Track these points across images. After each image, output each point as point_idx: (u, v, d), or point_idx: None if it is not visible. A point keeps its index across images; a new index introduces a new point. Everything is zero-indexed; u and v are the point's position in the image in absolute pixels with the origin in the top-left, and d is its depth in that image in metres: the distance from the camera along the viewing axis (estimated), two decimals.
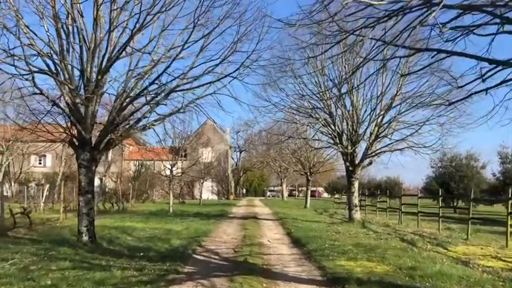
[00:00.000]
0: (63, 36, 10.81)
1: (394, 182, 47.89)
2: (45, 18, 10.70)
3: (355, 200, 19.67)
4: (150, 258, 9.40)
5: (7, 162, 38.05)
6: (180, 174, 32.97)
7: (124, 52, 10.97)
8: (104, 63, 10.93)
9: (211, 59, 11.50)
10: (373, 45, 7.81)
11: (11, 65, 9.01)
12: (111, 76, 11.89)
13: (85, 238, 11.06)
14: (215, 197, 56.53)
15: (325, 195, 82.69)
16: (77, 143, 11.34)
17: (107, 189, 43.14)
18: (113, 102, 11.90)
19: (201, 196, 42.78)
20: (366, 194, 30.30)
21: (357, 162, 19.45)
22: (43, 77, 10.48)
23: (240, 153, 74.89)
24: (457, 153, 34.28)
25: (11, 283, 6.85)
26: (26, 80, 9.48)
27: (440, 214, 16.54)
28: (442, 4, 5.13)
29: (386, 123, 18.97)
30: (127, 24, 10.71)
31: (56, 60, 10.77)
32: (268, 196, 71.78)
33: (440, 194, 17.60)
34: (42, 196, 26.75)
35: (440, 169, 36.33)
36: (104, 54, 10.85)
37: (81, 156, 11.19)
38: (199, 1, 10.43)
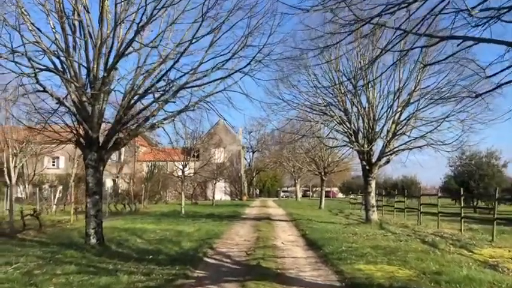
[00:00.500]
0: (69, 32, 10.50)
1: (410, 182, 46.85)
2: (51, 14, 10.40)
3: (372, 200, 19.02)
4: (159, 261, 9.02)
5: (20, 164, 38.36)
6: (191, 174, 32.66)
7: (131, 48, 10.61)
8: (110, 60, 10.58)
9: (221, 54, 11.08)
10: (393, 35, 7.30)
11: (13, 61, 8.71)
12: (119, 74, 11.58)
13: (93, 241, 10.72)
14: (228, 198, 56.15)
15: (340, 195, 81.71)
16: (84, 143, 11.02)
17: (119, 191, 43.15)
18: (120, 101, 11.56)
19: (213, 197, 42.45)
20: (383, 194, 29.49)
21: (373, 161, 18.81)
22: (47, 74, 10.20)
23: (253, 153, 74.51)
24: (476, 151, 33.16)
25: None
26: (28, 76, 9.15)
27: (463, 214, 15.82)
28: None
29: (404, 120, 18.29)
30: (134, 18, 10.31)
31: (62, 58, 10.46)
32: (282, 197, 71.13)
33: (462, 193, 16.82)
34: (54, 198, 26.66)
35: (459, 168, 35.29)
36: (110, 51, 10.51)
37: (89, 156, 10.86)
38: None
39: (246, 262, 9.30)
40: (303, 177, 57.61)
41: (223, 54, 11.06)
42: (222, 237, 13.74)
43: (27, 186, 41.45)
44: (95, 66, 10.67)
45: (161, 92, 11.25)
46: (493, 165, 33.33)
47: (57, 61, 10.62)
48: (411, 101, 17.91)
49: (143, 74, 11.50)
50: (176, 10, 10.93)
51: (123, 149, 46.70)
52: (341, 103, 19.00)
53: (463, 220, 15.79)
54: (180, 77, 11.19)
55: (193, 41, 10.52)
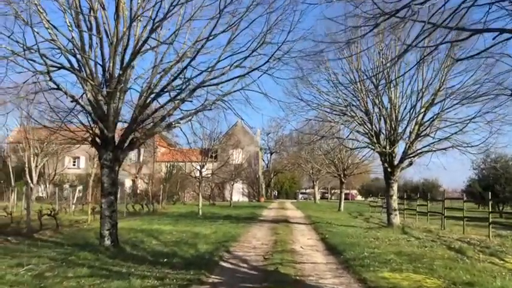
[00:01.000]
0: (85, 30, 10.33)
1: (431, 185, 45.77)
2: (67, 12, 10.24)
3: (394, 204, 18.40)
4: (173, 265, 8.73)
5: (41, 164, 38.88)
6: (209, 175, 32.47)
7: (147, 45, 10.38)
8: (126, 58, 10.38)
9: (238, 52, 10.74)
10: (421, 29, 6.85)
11: (27, 59, 8.55)
12: (136, 73, 11.39)
13: (107, 242, 10.51)
14: (246, 199, 55.85)
15: (359, 197, 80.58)
16: (99, 143, 10.84)
17: (138, 191, 43.37)
18: (137, 100, 11.35)
19: (231, 198, 42.22)
20: (404, 197, 28.67)
21: (395, 163, 18.19)
22: (62, 73, 10.06)
23: (271, 155, 74.14)
24: (502, 153, 32.03)
25: None
26: (41, 73, 8.99)
27: (490, 220, 15.09)
28: None
29: (428, 121, 17.62)
30: (151, 15, 10.07)
31: (78, 56, 10.30)
32: (300, 199, 70.46)
33: (490, 197, 16.05)
34: (74, 198, 26.83)
35: (484, 171, 34.15)
36: (126, 48, 10.28)
37: (104, 156, 10.67)
38: None
39: (263, 267, 8.92)
40: (321, 179, 56.87)
41: (241, 52, 10.74)
42: (239, 240, 13.41)
43: (48, 185, 42.09)
44: (111, 64, 10.48)
45: (177, 91, 10.98)
46: None
47: (73, 59, 10.47)
48: (436, 101, 17.24)
49: (160, 72, 11.27)
50: (193, 7, 10.69)
51: (142, 149, 47.02)
52: (362, 103, 18.46)
53: (490, 226, 15.07)
54: (197, 75, 10.91)
55: (211, 38, 10.22)
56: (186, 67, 10.61)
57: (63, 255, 9.43)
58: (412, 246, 12.08)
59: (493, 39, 6.32)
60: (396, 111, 18.04)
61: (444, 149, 17.50)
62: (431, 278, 7.73)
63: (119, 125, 11.80)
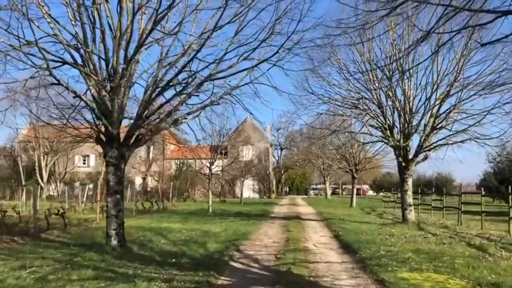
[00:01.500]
0: (88, 23, 9.99)
1: (445, 179, 45.08)
2: (69, 6, 9.91)
3: (409, 199, 17.85)
4: (181, 265, 8.38)
5: (51, 162, 38.98)
6: (219, 172, 32.14)
7: (151, 38, 10.00)
8: (130, 52, 10.01)
9: (246, 43, 10.30)
10: (443, 12, 6.37)
11: (27, 54, 8.23)
12: (142, 68, 11.04)
13: (114, 242, 10.20)
14: (256, 196, 55.50)
15: (370, 193, 79.79)
16: (104, 139, 10.51)
17: (148, 188, 43.27)
18: (142, 95, 11.00)
19: (241, 194, 41.88)
20: (419, 191, 28.01)
21: (410, 157, 17.62)
22: (64, 68, 9.72)
23: (281, 150, 73.61)
24: None
25: None
26: (40, 68, 8.66)
27: (511, 215, 14.50)
28: None
29: (443, 113, 17.00)
30: (155, 7, 9.67)
31: (81, 51, 9.97)
32: (311, 194, 69.92)
33: (509, 191, 15.39)
34: (83, 196, 26.72)
35: (500, 164, 33.31)
36: (129, 41, 9.92)
37: (109, 153, 10.35)
38: None
39: (275, 267, 8.53)
40: (332, 175, 56.28)
41: (249, 43, 10.29)
42: (250, 238, 13.03)
43: (58, 184, 42.21)
44: (115, 58, 10.13)
45: (183, 85, 10.60)
46: None
47: (76, 55, 10.16)
48: (451, 92, 16.63)
49: (165, 66, 10.89)
50: None
51: (151, 147, 46.89)
52: (375, 96, 17.91)
53: (511, 220, 14.48)
54: (203, 68, 10.52)
55: (217, 28, 9.80)
56: (191, 59, 10.20)
57: (68, 256, 9.14)
58: (430, 243, 11.59)
59: None
60: (410, 103, 17.46)
61: (461, 141, 16.86)
62: (454, 278, 7.27)
63: (125, 122, 11.48)
